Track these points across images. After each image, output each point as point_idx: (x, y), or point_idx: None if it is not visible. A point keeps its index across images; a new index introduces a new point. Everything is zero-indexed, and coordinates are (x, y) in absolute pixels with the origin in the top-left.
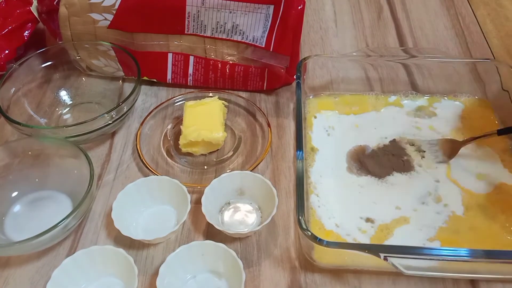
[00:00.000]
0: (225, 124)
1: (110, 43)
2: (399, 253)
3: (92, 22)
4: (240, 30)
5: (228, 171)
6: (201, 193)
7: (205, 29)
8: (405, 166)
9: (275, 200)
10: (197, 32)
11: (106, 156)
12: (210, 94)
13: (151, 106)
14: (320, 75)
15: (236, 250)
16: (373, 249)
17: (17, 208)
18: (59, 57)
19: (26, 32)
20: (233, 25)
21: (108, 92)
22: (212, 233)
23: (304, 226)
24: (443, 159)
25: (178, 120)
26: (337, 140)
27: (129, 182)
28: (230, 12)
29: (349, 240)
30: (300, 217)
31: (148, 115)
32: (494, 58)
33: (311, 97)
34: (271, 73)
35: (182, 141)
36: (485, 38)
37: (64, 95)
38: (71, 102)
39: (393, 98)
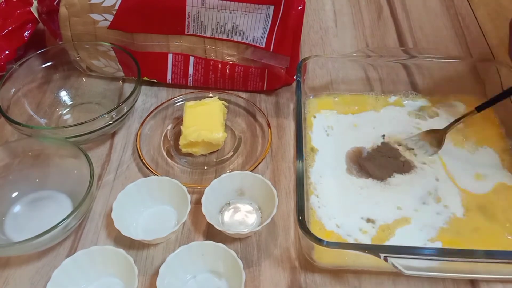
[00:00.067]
0: (225, 125)
1: (110, 43)
2: (399, 253)
3: (92, 23)
4: (240, 30)
5: (228, 171)
6: (201, 193)
7: (205, 30)
8: (405, 167)
9: (275, 201)
10: (197, 33)
11: (106, 157)
12: (210, 95)
13: (151, 107)
14: (320, 75)
15: (236, 250)
16: (373, 249)
17: (17, 208)
18: (59, 58)
19: (26, 32)
20: (233, 25)
21: (108, 92)
22: (212, 233)
23: (304, 226)
24: (433, 150)
25: (178, 121)
26: (336, 140)
27: (129, 183)
28: (230, 13)
29: (350, 240)
30: (300, 217)
31: (148, 116)
32: (494, 58)
33: (311, 97)
34: (271, 74)
35: (182, 141)
36: (485, 38)
37: (64, 95)
38: (71, 102)
39: (393, 98)
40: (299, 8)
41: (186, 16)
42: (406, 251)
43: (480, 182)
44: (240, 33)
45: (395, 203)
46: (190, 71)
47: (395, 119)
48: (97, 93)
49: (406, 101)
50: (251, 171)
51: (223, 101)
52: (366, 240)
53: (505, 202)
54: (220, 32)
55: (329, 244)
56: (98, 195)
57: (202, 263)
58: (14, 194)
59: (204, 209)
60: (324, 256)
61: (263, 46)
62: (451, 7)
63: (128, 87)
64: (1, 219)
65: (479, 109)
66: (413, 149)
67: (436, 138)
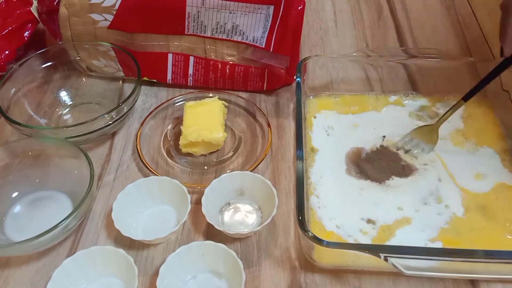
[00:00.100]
0: (225, 125)
1: (110, 43)
2: (399, 253)
3: (92, 23)
4: (240, 30)
5: (228, 171)
6: (201, 193)
7: (205, 30)
8: (405, 171)
9: (275, 201)
10: (197, 33)
11: (106, 157)
12: (210, 95)
13: (151, 107)
14: (320, 75)
15: (236, 251)
16: (373, 249)
17: (17, 208)
18: (59, 58)
19: (26, 32)
20: (233, 25)
21: (108, 92)
22: (212, 234)
23: (304, 226)
24: (429, 147)
25: (178, 121)
26: (337, 140)
27: (129, 183)
28: (230, 13)
29: (350, 241)
30: (300, 217)
31: (148, 116)
32: (494, 58)
33: (311, 97)
34: (271, 74)
35: (182, 141)
36: (485, 38)
37: (64, 95)
38: (71, 102)
39: (393, 98)
40: (299, 8)
41: (186, 16)
42: (406, 251)
43: (480, 182)
44: (240, 33)
45: (395, 204)
46: (190, 71)
47: (395, 119)
48: (97, 93)
49: (406, 101)
50: (251, 171)
51: (223, 101)
52: (366, 241)
53: (505, 201)
54: (220, 32)
55: (329, 244)
56: (98, 195)
57: (202, 263)
58: (14, 194)
59: (204, 209)
60: (324, 256)
61: (263, 46)
62: (451, 7)
63: (128, 87)
64: (1, 219)
65: (466, 98)
66: (410, 150)
67: (429, 134)
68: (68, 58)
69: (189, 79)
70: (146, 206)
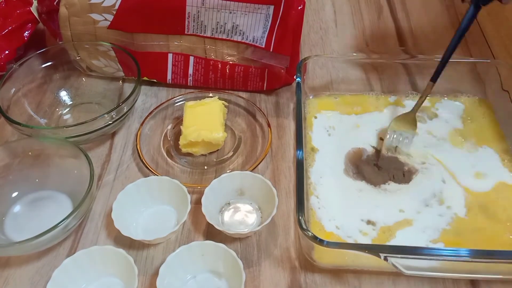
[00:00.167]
0: (225, 124)
1: (110, 43)
2: (399, 253)
3: (92, 23)
4: (240, 30)
5: (228, 171)
6: (201, 193)
7: (205, 30)
8: (405, 177)
9: (275, 200)
10: (197, 33)
11: (106, 157)
12: (210, 95)
13: (151, 107)
14: (320, 75)
15: (236, 250)
16: (373, 249)
17: (17, 208)
18: (59, 58)
19: (26, 32)
20: (233, 25)
21: (108, 92)
22: (212, 233)
23: (304, 226)
24: (411, 135)
25: (178, 121)
26: (338, 140)
27: (129, 182)
28: (230, 13)
29: (350, 242)
30: (300, 217)
31: (148, 116)
32: (494, 58)
33: (311, 97)
34: (271, 74)
35: (182, 141)
36: (485, 38)
37: (64, 95)
38: (71, 102)
39: (393, 98)
40: (299, 8)
41: (186, 16)
42: (407, 251)
43: (480, 181)
44: (240, 33)
45: (396, 206)
46: (190, 71)
47: None
48: (97, 93)
49: (406, 101)
50: (251, 171)
51: (223, 101)
52: (366, 242)
53: (506, 201)
54: (220, 32)
55: (329, 244)
56: (98, 195)
57: (202, 263)
58: (14, 194)
59: (204, 209)
60: (324, 256)
61: (263, 46)
62: (451, 7)
63: (128, 87)
64: (1, 219)
65: (433, 79)
66: (397, 146)
67: (408, 121)
68: (68, 58)
69: (189, 79)
70: (146, 206)
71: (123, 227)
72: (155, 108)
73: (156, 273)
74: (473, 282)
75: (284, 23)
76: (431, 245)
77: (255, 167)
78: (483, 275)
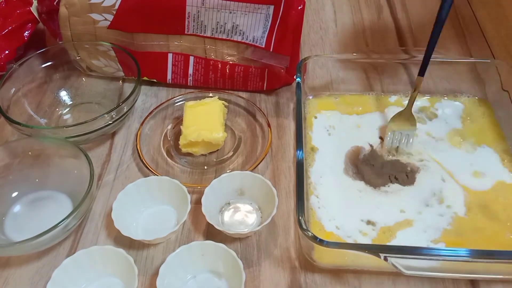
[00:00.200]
0: (225, 124)
1: (110, 43)
2: (399, 253)
3: (92, 22)
4: (240, 30)
5: (228, 171)
6: (201, 193)
7: (205, 29)
8: (409, 179)
9: (275, 200)
10: (197, 32)
11: (106, 156)
12: (210, 94)
13: (151, 106)
14: (320, 75)
15: (236, 250)
16: (373, 249)
17: (17, 208)
18: (59, 57)
19: (26, 32)
20: (233, 25)
21: (108, 92)
22: (212, 233)
23: (304, 226)
24: (411, 132)
25: (178, 121)
26: (338, 139)
27: (129, 182)
28: (230, 13)
29: (350, 242)
30: (300, 217)
31: (148, 115)
32: (494, 58)
33: (311, 97)
34: (271, 73)
35: (182, 141)
36: (485, 38)
37: (64, 95)
38: (71, 102)
39: (393, 98)
40: (299, 8)
41: (186, 16)
42: (406, 251)
43: (479, 180)
44: (240, 33)
45: (397, 207)
46: (190, 71)
47: None
48: (97, 93)
49: (406, 101)
50: (251, 171)
51: (223, 101)
52: (366, 242)
53: (506, 200)
54: (220, 32)
55: (329, 244)
56: (98, 195)
57: (202, 263)
58: (14, 194)
59: (204, 209)
60: (324, 256)
61: (263, 46)
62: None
63: (128, 87)
64: (1, 219)
65: (421, 74)
66: (398, 146)
67: (406, 119)
68: (68, 58)
69: (189, 79)
70: (146, 206)
71: (123, 227)
72: (155, 108)
73: (156, 273)
74: (473, 282)
75: (284, 23)
76: (432, 245)
77: (255, 167)
78: (483, 275)
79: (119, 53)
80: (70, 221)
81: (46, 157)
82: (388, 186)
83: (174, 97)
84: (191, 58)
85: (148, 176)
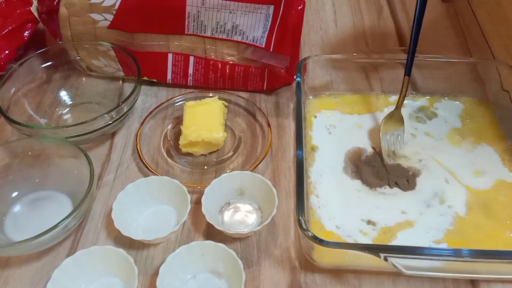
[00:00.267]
0: (225, 124)
1: (110, 43)
2: (399, 254)
3: (92, 22)
4: (240, 30)
5: (228, 171)
6: (201, 193)
7: (205, 29)
8: (409, 184)
9: (275, 200)
10: (197, 32)
11: (106, 156)
12: (210, 94)
13: (151, 106)
14: (320, 75)
15: (236, 250)
16: (373, 249)
17: (17, 208)
18: (59, 57)
19: (26, 32)
20: (233, 25)
21: (108, 92)
22: (212, 233)
23: (304, 226)
24: (402, 131)
25: (178, 120)
26: (338, 138)
27: (129, 182)
28: (230, 12)
29: (350, 241)
30: (300, 217)
31: (148, 115)
32: (494, 58)
33: (311, 97)
34: (271, 73)
35: (182, 141)
36: (485, 38)
37: (64, 95)
38: (71, 102)
39: (393, 98)
40: (299, 8)
41: (186, 15)
42: (406, 251)
43: (480, 178)
44: (240, 33)
45: (398, 207)
46: (190, 71)
47: None
48: (97, 93)
49: (406, 101)
50: (251, 171)
51: (223, 101)
52: (366, 242)
53: (506, 199)
54: (220, 32)
55: (329, 244)
56: (98, 195)
57: (202, 263)
58: (14, 194)
59: (204, 209)
60: (324, 256)
61: (263, 46)
62: (451, 7)
63: (128, 87)
64: (1, 219)
65: (408, 74)
66: (394, 150)
67: (396, 120)
68: (68, 58)
69: (189, 79)
70: (146, 206)
71: (123, 227)
72: (155, 108)
73: (156, 273)
74: (473, 282)
75: (284, 23)
76: (433, 246)
77: (255, 167)
78: (483, 275)
79: (119, 53)
80: (70, 221)
81: (46, 157)
82: (385, 188)
83: (174, 97)
84: (191, 58)
85: (148, 176)
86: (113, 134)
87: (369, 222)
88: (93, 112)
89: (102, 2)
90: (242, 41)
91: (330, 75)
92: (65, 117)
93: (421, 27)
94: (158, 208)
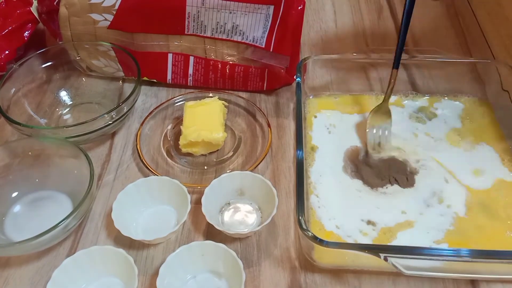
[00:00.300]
0: (225, 125)
1: (110, 43)
2: (399, 254)
3: (92, 23)
4: (240, 30)
5: (228, 171)
6: (201, 193)
7: (205, 30)
8: (409, 181)
9: (275, 200)
10: (197, 33)
11: (106, 156)
12: (210, 95)
13: (151, 107)
14: (320, 75)
15: (236, 250)
16: (373, 249)
17: (17, 208)
18: (59, 58)
19: (26, 32)
20: (233, 25)
21: (108, 92)
22: (212, 233)
23: (304, 226)
24: (388, 125)
25: (178, 121)
26: (338, 138)
27: (129, 182)
28: (230, 13)
29: (350, 241)
30: (300, 217)
31: (148, 116)
32: (494, 58)
33: (311, 97)
34: (271, 74)
35: (182, 141)
36: (485, 38)
37: (64, 95)
38: (71, 102)
39: (393, 98)
40: (299, 8)
41: (186, 16)
42: (406, 251)
43: (479, 178)
44: (240, 33)
45: (398, 207)
46: (190, 71)
47: (396, 123)
48: (97, 93)
49: (406, 101)
50: (251, 171)
51: (223, 101)
52: (366, 242)
53: (506, 198)
54: (220, 32)
55: (329, 244)
56: (98, 195)
57: (202, 263)
58: (14, 194)
59: (204, 209)
60: (324, 256)
61: (263, 46)
62: (451, 7)
63: (128, 87)
64: (1, 219)
65: (396, 66)
66: (379, 142)
67: (383, 113)
68: (68, 58)
69: (189, 79)
70: (146, 206)
71: (123, 227)
72: (155, 108)
73: (156, 273)
74: (473, 282)
75: (284, 23)
76: (434, 246)
77: (255, 167)
78: (483, 275)
79: (119, 53)
80: (70, 221)
81: (46, 157)
82: (387, 187)
83: (174, 97)
84: (191, 58)
85: (148, 176)
86: (113, 134)
87: (369, 222)
88: (93, 112)
89: (102, 2)
90: (242, 41)
91: (330, 75)
92: (65, 117)
93: (411, 21)
94: (158, 208)
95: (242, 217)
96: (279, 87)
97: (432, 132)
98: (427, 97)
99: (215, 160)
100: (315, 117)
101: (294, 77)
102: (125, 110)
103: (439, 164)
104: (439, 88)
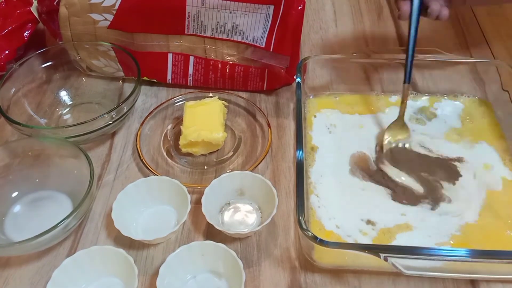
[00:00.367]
0: (225, 124)
1: (110, 43)
2: (399, 254)
3: (92, 23)
4: (240, 30)
5: (228, 171)
6: (201, 193)
7: (205, 30)
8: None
9: (275, 200)
10: (197, 33)
11: (106, 156)
12: (210, 95)
13: (151, 107)
14: (320, 75)
15: (236, 250)
16: (373, 249)
17: (17, 208)
18: (59, 58)
19: (26, 32)
20: (233, 25)
21: (108, 92)
22: (212, 233)
23: (304, 226)
24: (405, 141)
25: (178, 121)
26: (339, 138)
27: (129, 182)
28: (230, 13)
29: (350, 241)
30: (300, 217)
31: (148, 116)
32: (494, 58)
33: (311, 97)
34: (271, 73)
35: (182, 141)
36: (485, 38)
37: (64, 95)
38: (71, 102)
39: (393, 98)
40: (299, 8)
41: (186, 16)
42: (406, 251)
43: (480, 178)
44: (240, 33)
45: (399, 209)
46: (190, 71)
47: None
48: (97, 93)
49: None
50: (251, 171)
51: (223, 101)
52: (366, 241)
53: (506, 197)
54: (220, 32)
55: (329, 244)
56: (98, 195)
57: (202, 263)
58: (14, 194)
59: (204, 209)
60: (324, 256)
61: (263, 46)
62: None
63: (128, 87)
64: (1, 219)
65: (407, 81)
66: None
67: (401, 129)
68: (68, 58)
69: (189, 79)
70: (146, 206)
71: (123, 227)
72: (155, 108)
73: (156, 273)
74: (473, 282)
75: (284, 23)
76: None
77: (255, 167)
78: (483, 275)
79: (119, 53)
80: (70, 221)
81: (46, 157)
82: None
83: (174, 97)
84: (191, 58)
85: (148, 176)
86: (113, 134)
87: (368, 222)
88: (93, 112)
89: (102, 2)
90: (242, 41)
91: (330, 75)
92: (65, 117)
93: (418, 31)
94: (158, 208)
95: (242, 217)
96: (279, 87)
97: (432, 133)
98: (427, 97)
99: (215, 160)
100: (315, 116)
101: (294, 77)
102: (125, 110)
103: None
104: (439, 88)
